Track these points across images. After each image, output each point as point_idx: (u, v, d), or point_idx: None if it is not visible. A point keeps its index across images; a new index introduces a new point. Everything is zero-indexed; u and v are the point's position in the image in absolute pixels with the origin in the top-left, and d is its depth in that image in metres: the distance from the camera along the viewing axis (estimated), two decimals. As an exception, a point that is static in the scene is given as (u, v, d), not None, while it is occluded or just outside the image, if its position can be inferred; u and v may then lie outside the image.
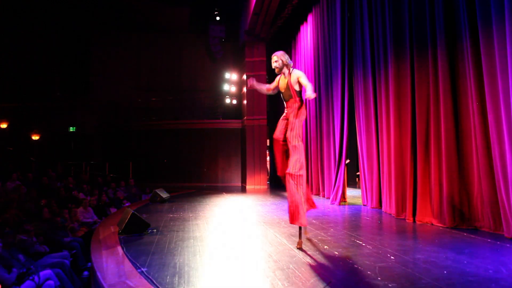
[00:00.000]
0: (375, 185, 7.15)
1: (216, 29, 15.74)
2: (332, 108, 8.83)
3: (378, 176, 7.06)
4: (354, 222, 5.95)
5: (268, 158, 14.67)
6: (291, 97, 4.32)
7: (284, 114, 4.39)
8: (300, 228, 4.21)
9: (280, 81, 4.42)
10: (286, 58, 4.35)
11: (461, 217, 5.08)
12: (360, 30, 7.60)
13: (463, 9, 4.90)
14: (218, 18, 15.94)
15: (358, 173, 9.44)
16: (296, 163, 4.12)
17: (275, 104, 14.51)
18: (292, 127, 4.22)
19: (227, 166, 14.55)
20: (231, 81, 15.69)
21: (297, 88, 4.28)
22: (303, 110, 4.28)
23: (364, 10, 7.41)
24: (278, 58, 4.34)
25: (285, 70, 4.37)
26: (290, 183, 4.11)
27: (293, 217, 4.11)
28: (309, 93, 3.94)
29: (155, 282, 3.07)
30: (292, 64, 4.42)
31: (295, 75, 4.27)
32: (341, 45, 8.27)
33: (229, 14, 15.62)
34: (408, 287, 2.88)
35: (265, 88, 4.73)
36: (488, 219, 4.73)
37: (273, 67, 4.42)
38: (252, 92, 13.37)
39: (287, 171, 4.15)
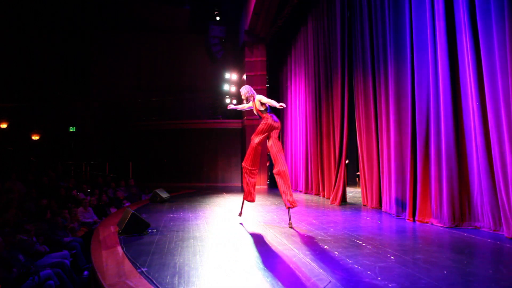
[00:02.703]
0: (375, 185, 7.15)
1: (216, 29, 15.73)
2: (332, 108, 8.83)
3: (378, 176, 7.06)
4: (354, 222, 5.95)
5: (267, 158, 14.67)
6: (260, 117, 5.76)
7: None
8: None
9: (253, 105, 5.80)
10: (247, 90, 5.80)
11: (461, 217, 5.09)
12: (360, 30, 7.60)
13: (464, 8, 4.90)
14: (218, 18, 15.93)
15: (358, 173, 9.43)
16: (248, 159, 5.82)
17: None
18: (257, 134, 5.71)
19: (227, 166, 14.55)
20: (231, 81, 15.68)
21: (261, 108, 5.67)
22: (266, 122, 5.63)
23: (364, 9, 7.41)
24: (242, 91, 5.84)
25: (251, 98, 5.78)
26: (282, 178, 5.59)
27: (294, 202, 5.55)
28: (277, 105, 5.32)
29: (155, 282, 3.07)
30: (253, 92, 5.80)
31: (257, 100, 5.67)
32: (341, 45, 8.27)
33: (229, 14, 15.62)
34: (408, 287, 2.88)
35: (242, 106, 6.10)
36: (488, 219, 4.73)
37: (242, 98, 5.89)
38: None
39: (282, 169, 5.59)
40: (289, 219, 5.47)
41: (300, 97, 11.51)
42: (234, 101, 15.39)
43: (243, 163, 5.85)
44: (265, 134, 5.64)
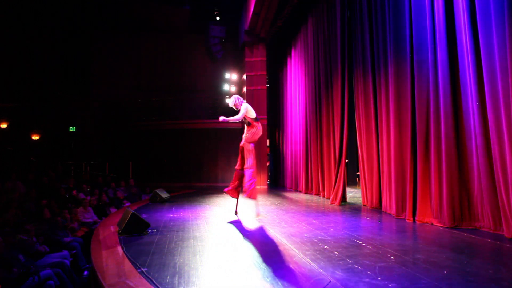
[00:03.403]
0: (375, 185, 7.15)
1: (216, 29, 15.73)
2: (332, 108, 8.83)
3: (378, 176, 7.06)
4: (354, 222, 5.95)
5: (267, 158, 14.67)
6: (249, 124, 6.23)
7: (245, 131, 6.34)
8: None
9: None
10: (234, 100, 6.26)
11: (461, 217, 5.09)
12: (360, 29, 7.60)
13: (463, 8, 4.90)
14: (218, 18, 15.93)
15: (358, 173, 9.43)
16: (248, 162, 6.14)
17: (275, 105, 14.53)
18: (248, 139, 6.22)
19: (227, 166, 14.53)
20: (231, 81, 15.69)
21: (250, 115, 6.15)
22: (253, 128, 6.19)
23: (364, 10, 7.41)
24: (230, 101, 6.33)
25: (238, 106, 6.19)
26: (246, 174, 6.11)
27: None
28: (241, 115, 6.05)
29: (155, 282, 3.07)
30: (241, 101, 6.24)
31: (243, 108, 6.11)
32: (341, 45, 8.27)
33: (229, 14, 15.62)
34: (408, 287, 2.88)
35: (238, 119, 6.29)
36: (488, 219, 4.73)
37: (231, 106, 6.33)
38: (252, 92, 13.39)
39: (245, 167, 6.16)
40: (236, 207, 6.52)
41: (300, 97, 11.51)
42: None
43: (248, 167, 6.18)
44: (253, 139, 6.25)
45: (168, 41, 16.53)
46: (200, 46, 16.42)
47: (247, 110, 6.10)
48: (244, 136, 6.28)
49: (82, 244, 6.03)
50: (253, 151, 6.20)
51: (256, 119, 6.24)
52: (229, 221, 6.03)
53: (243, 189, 6.30)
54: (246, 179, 6.13)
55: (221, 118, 6.17)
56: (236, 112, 6.27)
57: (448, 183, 5.15)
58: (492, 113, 4.49)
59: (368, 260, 3.59)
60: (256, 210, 6.29)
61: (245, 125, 6.37)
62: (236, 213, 6.52)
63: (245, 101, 6.31)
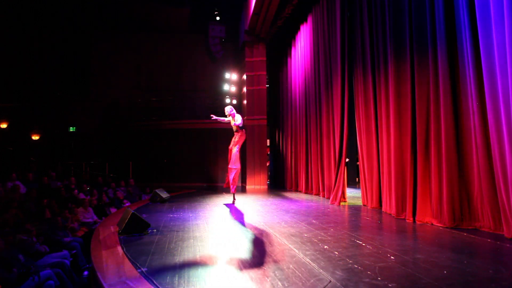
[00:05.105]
0: (375, 185, 7.15)
1: (216, 29, 15.74)
2: (332, 108, 8.83)
3: (378, 176, 7.06)
4: (354, 222, 5.95)
5: (268, 158, 14.66)
6: (236, 130, 8.04)
7: (234, 136, 8.14)
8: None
9: (231, 121, 8.08)
10: (231, 109, 8.04)
11: (461, 217, 5.09)
12: (360, 29, 7.60)
13: (463, 9, 4.90)
14: (218, 18, 15.94)
15: (358, 179, 9.44)
16: (235, 161, 8.11)
17: (275, 105, 14.52)
18: (237, 143, 8.08)
19: (227, 166, 14.54)
20: (231, 81, 15.69)
21: (237, 124, 7.91)
22: (243, 135, 8.10)
23: (364, 10, 7.42)
24: (226, 110, 8.06)
25: (231, 115, 7.98)
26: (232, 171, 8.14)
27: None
28: (238, 122, 7.91)
29: (155, 282, 3.07)
30: (232, 111, 8.01)
31: (236, 117, 7.92)
32: (341, 45, 8.27)
33: (229, 14, 15.62)
34: (408, 287, 2.88)
35: (222, 119, 8.20)
36: (488, 219, 4.74)
37: (226, 114, 8.10)
38: (252, 92, 13.40)
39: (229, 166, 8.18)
40: (234, 198, 8.44)
41: (300, 97, 11.51)
42: (234, 101, 15.40)
43: (229, 166, 8.19)
44: (241, 144, 8.06)
45: (168, 41, 16.54)
46: (200, 46, 16.42)
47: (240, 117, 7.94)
48: (234, 140, 8.05)
49: (82, 244, 6.02)
50: (235, 154, 8.00)
51: (241, 128, 7.96)
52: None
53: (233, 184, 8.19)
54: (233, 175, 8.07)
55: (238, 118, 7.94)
56: (224, 115, 8.19)
57: (448, 183, 5.15)
58: (492, 113, 4.49)
59: (368, 260, 3.59)
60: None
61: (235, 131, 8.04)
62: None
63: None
